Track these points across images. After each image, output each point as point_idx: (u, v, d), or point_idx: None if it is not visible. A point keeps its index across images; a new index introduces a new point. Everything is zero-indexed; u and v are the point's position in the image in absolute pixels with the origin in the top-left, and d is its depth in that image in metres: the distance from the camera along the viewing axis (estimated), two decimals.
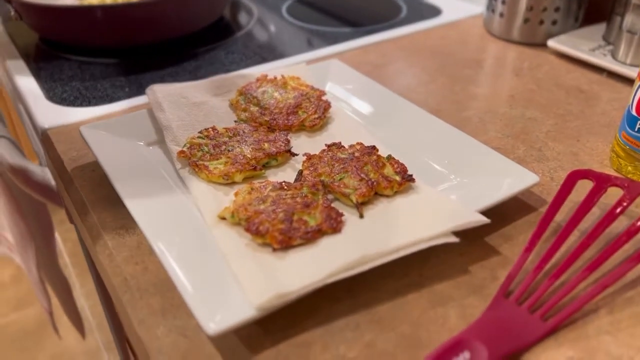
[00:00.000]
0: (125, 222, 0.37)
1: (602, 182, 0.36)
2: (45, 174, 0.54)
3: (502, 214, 0.37)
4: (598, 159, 0.44)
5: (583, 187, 0.36)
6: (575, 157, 0.44)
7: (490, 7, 0.64)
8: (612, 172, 0.41)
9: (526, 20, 0.61)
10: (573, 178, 0.37)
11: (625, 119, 0.40)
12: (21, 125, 0.57)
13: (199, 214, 0.36)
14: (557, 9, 0.60)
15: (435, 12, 0.72)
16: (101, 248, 0.36)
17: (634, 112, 0.39)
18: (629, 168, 0.41)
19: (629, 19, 0.54)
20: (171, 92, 0.46)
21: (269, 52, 0.61)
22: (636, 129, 0.39)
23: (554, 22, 0.60)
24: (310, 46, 0.62)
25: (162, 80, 0.56)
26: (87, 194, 0.40)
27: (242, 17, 0.72)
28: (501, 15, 0.62)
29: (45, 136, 0.47)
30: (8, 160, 0.57)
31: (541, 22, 0.60)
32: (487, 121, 0.49)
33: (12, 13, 0.63)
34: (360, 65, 0.58)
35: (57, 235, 0.71)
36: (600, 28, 0.61)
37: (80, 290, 0.88)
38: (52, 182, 0.56)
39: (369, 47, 0.63)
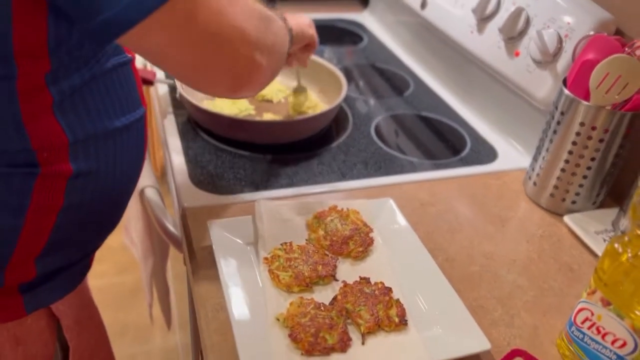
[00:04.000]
0: (222, 302, 0.59)
1: None
2: (175, 228, 0.78)
3: None
4: (551, 338, 0.60)
5: None
6: (534, 330, 0.60)
7: (529, 174, 0.80)
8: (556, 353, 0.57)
9: (552, 195, 0.76)
10: (512, 354, 0.54)
11: (570, 318, 0.56)
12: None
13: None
14: (577, 194, 0.75)
15: (491, 156, 0.89)
16: (202, 314, 0.58)
17: (572, 318, 0.55)
18: (567, 352, 0.57)
19: (624, 222, 0.68)
20: (271, 207, 0.68)
21: (348, 170, 0.82)
22: (571, 330, 0.55)
23: (574, 202, 0.75)
24: (378, 172, 0.82)
25: (267, 181, 0.78)
26: (202, 270, 0.62)
27: (341, 126, 0.93)
28: (535, 184, 0.78)
29: (183, 213, 0.71)
30: (152, 207, 0.82)
31: (563, 200, 0.76)
32: (485, 280, 0.66)
33: (177, 95, 0.88)
34: (410, 200, 0.77)
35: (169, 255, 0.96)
36: (615, 212, 0.76)
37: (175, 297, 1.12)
38: (178, 235, 0.80)
39: (424, 183, 0.81)
